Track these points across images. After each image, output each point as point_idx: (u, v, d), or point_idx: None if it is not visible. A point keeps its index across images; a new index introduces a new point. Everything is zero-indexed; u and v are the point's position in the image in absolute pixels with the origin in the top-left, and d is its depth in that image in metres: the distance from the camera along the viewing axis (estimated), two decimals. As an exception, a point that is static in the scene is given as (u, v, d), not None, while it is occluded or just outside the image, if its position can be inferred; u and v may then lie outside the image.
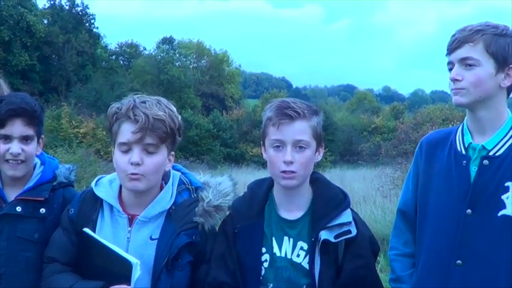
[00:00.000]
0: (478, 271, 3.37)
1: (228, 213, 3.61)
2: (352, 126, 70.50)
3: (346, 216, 3.45)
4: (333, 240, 3.38)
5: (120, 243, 3.42)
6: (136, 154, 3.34)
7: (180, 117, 3.54)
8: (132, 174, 3.35)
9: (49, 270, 3.56)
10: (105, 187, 3.60)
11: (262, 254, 3.51)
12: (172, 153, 3.54)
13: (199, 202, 3.55)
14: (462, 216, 3.42)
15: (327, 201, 3.50)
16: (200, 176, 3.76)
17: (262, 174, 34.11)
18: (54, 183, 3.84)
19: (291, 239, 3.50)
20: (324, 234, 3.38)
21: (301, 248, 3.48)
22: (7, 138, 3.65)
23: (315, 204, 3.52)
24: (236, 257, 3.52)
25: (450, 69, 3.49)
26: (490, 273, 3.35)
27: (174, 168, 3.68)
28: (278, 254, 3.50)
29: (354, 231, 3.43)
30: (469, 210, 3.40)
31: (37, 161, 3.88)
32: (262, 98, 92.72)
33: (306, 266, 3.45)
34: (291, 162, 3.37)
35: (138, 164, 3.34)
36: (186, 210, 3.53)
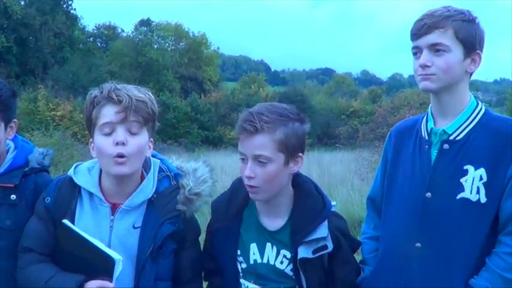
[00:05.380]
0: (437, 254, 3.40)
1: (207, 199, 3.58)
2: (330, 109, 70.43)
3: (322, 230, 3.41)
4: (311, 256, 3.37)
5: (102, 232, 3.40)
6: (121, 133, 3.28)
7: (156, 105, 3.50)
8: (118, 157, 3.29)
9: (25, 261, 3.49)
10: (84, 175, 3.51)
11: (238, 256, 3.55)
12: (152, 139, 3.50)
13: (180, 189, 3.53)
14: (422, 199, 3.44)
15: (306, 212, 3.45)
16: (172, 161, 3.72)
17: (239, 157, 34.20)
18: (26, 169, 3.74)
19: (274, 246, 3.50)
20: (301, 252, 3.37)
21: (285, 256, 3.48)
22: None
23: (295, 214, 3.48)
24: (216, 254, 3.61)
25: (415, 54, 3.48)
26: (449, 256, 3.38)
27: (151, 155, 3.63)
28: (259, 260, 3.51)
29: (330, 246, 3.40)
30: (428, 194, 3.43)
31: (11, 145, 3.79)
32: (240, 81, 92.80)
33: (289, 273, 3.47)
34: (251, 177, 3.33)
35: (123, 144, 3.29)
36: (168, 198, 3.49)
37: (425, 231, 3.43)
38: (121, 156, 3.28)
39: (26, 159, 3.77)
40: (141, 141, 3.35)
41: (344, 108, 71.08)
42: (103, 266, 3.22)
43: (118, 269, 3.19)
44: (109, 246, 3.36)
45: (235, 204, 3.58)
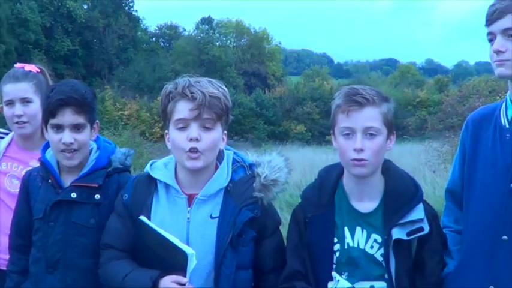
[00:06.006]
0: None
1: (283, 187, 3.57)
2: (396, 100, 69.53)
3: (418, 213, 3.38)
4: (405, 238, 3.33)
5: (180, 224, 3.43)
6: (194, 130, 3.33)
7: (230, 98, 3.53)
8: (191, 152, 3.34)
9: (105, 257, 3.58)
10: (160, 169, 3.58)
11: (334, 243, 3.48)
12: (225, 132, 3.52)
13: (255, 178, 3.52)
14: (507, 190, 3.32)
15: (399, 194, 3.43)
16: (248, 156, 3.73)
17: (306, 151, 34.16)
18: (109, 169, 3.85)
19: (364, 230, 3.45)
20: (396, 233, 3.33)
21: (375, 241, 3.42)
22: (59, 128, 3.65)
23: (387, 196, 3.46)
24: (307, 247, 3.51)
25: (490, 40, 3.38)
26: None
27: (224, 148, 3.65)
28: (351, 244, 3.46)
29: (427, 229, 3.36)
30: None
31: (93, 146, 3.89)
32: (303, 75, 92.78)
33: (379, 258, 3.40)
34: (361, 150, 3.30)
35: (196, 140, 3.33)
36: (244, 187, 3.50)
37: (511, 223, 3.30)
38: (195, 151, 3.32)
39: (109, 159, 3.86)
40: (214, 136, 3.38)
41: (410, 98, 70.50)
42: (178, 261, 3.23)
43: (192, 264, 3.20)
44: (187, 238, 3.40)
45: (327, 191, 3.54)
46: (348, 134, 3.34)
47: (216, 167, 3.54)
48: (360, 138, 3.29)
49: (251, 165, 3.61)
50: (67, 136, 3.63)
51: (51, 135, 3.69)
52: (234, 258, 3.39)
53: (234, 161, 3.61)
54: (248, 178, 3.54)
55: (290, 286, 3.50)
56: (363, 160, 3.31)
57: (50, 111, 3.64)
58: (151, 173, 3.55)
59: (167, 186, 3.52)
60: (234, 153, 3.67)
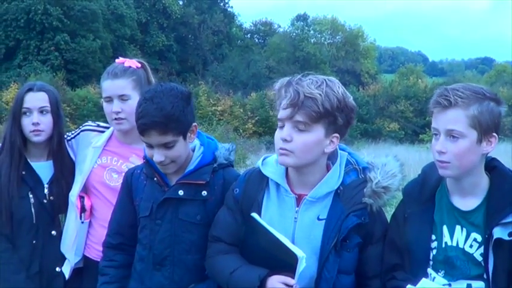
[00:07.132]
0: None
1: (395, 193, 3.48)
2: (492, 100, 68.51)
3: None
4: (506, 238, 3.23)
5: (287, 224, 3.40)
6: (285, 130, 3.27)
7: (349, 98, 3.38)
8: (281, 149, 3.34)
9: (214, 250, 3.60)
10: (272, 166, 3.53)
11: (432, 241, 3.43)
12: (336, 135, 3.37)
13: (367, 183, 3.44)
14: None
15: (504, 193, 3.32)
16: (363, 157, 3.65)
17: (399, 149, 33.68)
18: (215, 165, 3.82)
19: (464, 229, 3.38)
20: (497, 232, 3.23)
21: (475, 240, 3.35)
22: (149, 146, 3.63)
23: (491, 195, 3.36)
24: (405, 242, 3.47)
25: None
26: None
27: (339, 148, 3.57)
28: (449, 243, 3.40)
29: None
30: None
31: (196, 142, 3.86)
32: (398, 73, 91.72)
33: (479, 257, 3.33)
34: (443, 152, 3.24)
35: (286, 140, 3.26)
36: (354, 191, 3.41)
37: None
38: (284, 149, 3.28)
39: (214, 155, 3.85)
40: (307, 138, 3.28)
41: (506, 98, 68.46)
42: (286, 262, 3.21)
43: (301, 266, 3.17)
44: (293, 237, 3.37)
45: (429, 187, 3.48)
46: (435, 135, 3.30)
47: (329, 168, 3.50)
48: (443, 140, 3.22)
49: (364, 169, 3.54)
50: (157, 155, 3.60)
51: (145, 148, 3.70)
52: (337, 262, 3.36)
53: (348, 163, 3.54)
54: (359, 182, 3.46)
55: (390, 277, 3.47)
56: (445, 162, 3.25)
57: (138, 130, 3.61)
58: (262, 170, 3.54)
59: (278, 184, 3.50)
60: (349, 153, 3.60)
